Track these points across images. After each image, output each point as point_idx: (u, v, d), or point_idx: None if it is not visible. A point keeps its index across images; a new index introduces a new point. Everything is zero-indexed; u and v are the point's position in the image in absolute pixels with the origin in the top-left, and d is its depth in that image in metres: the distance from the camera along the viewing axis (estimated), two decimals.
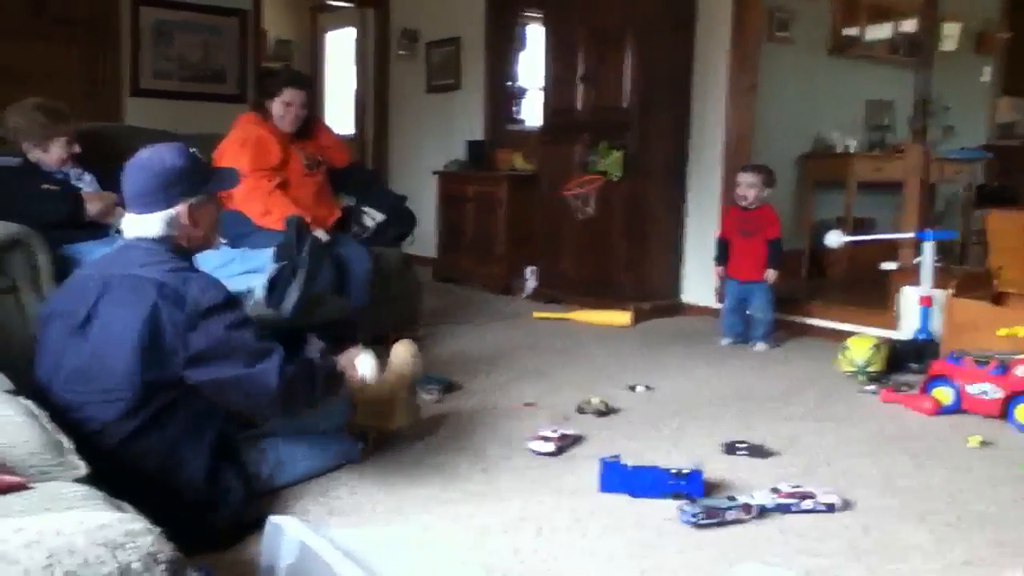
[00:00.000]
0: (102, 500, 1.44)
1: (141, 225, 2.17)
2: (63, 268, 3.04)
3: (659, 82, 5.04)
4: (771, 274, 4.33)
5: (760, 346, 4.30)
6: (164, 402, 2.07)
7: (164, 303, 2.01)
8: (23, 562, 0.97)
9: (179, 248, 2.20)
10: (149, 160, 2.17)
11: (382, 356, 2.90)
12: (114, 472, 1.93)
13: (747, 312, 4.41)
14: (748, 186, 4.36)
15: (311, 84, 4.30)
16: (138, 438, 2.03)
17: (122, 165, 2.23)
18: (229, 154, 3.72)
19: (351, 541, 1.70)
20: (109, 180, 3.51)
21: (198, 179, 2.23)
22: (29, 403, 1.82)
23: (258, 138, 3.73)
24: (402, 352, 2.83)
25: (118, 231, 3.31)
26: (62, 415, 2.00)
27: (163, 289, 2.02)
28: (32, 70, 6.20)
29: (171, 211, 2.16)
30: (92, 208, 3.29)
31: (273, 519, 1.73)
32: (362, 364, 2.41)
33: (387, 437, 2.75)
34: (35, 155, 3.33)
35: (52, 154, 3.32)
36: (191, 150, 2.25)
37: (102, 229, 3.33)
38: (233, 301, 2.15)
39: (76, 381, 2.05)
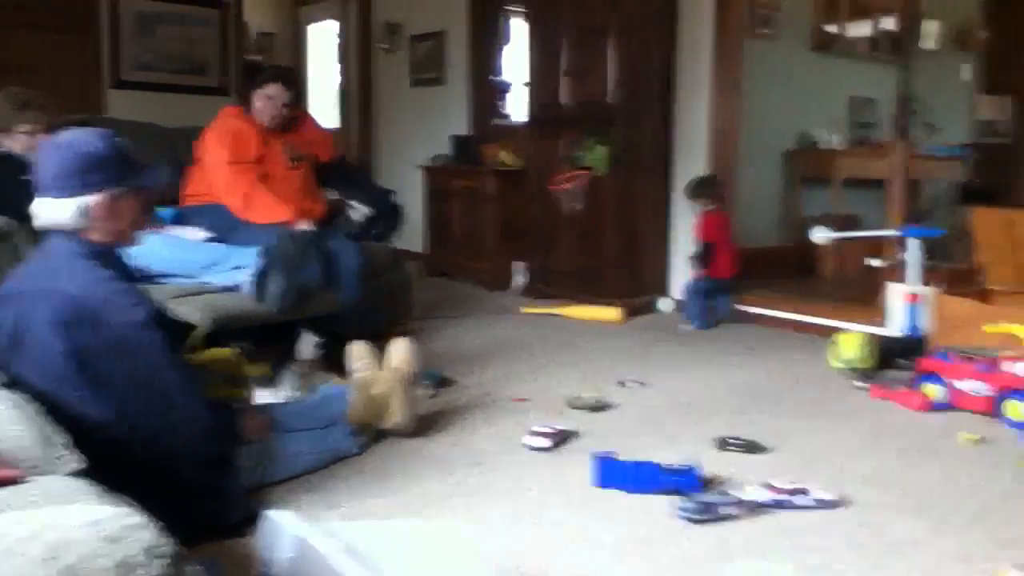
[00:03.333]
0: (100, 494, 1.42)
1: (53, 210, 2.04)
2: None
3: (643, 77, 5.03)
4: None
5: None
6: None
7: (81, 328, 1.91)
8: (25, 555, 0.95)
9: (95, 245, 2.06)
10: (71, 142, 2.05)
11: (380, 351, 2.89)
12: (106, 465, 1.91)
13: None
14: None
15: (297, 84, 4.24)
16: (126, 437, 1.97)
17: None
18: (209, 147, 3.69)
19: (348, 535, 1.68)
20: None
21: (121, 170, 2.08)
22: (19, 396, 1.79)
23: (235, 130, 3.68)
24: (399, 349, 2.81)
25: None
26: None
27: (80, 310, 1.92)
28: (17, 62, 6.13)
29: (87, 199, 2.02)
30: None
31: (270, 514, 1.71)
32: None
33: (384, 433, 2.74)
34: (6, 145, 3.27)
35: (17, 143, 3.25)
36: (119, 139, 2.14)
37: None
38: (156, 320, 2.00)
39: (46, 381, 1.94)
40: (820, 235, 4.45)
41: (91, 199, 2.02)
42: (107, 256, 2.10)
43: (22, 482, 1.38)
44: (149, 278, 3.05)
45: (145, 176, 2.16)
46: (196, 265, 3.01)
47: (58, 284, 1.95)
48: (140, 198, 2.15)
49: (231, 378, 2.46)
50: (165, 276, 3.04)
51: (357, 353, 2.84)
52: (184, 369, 2.04)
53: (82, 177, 2.01)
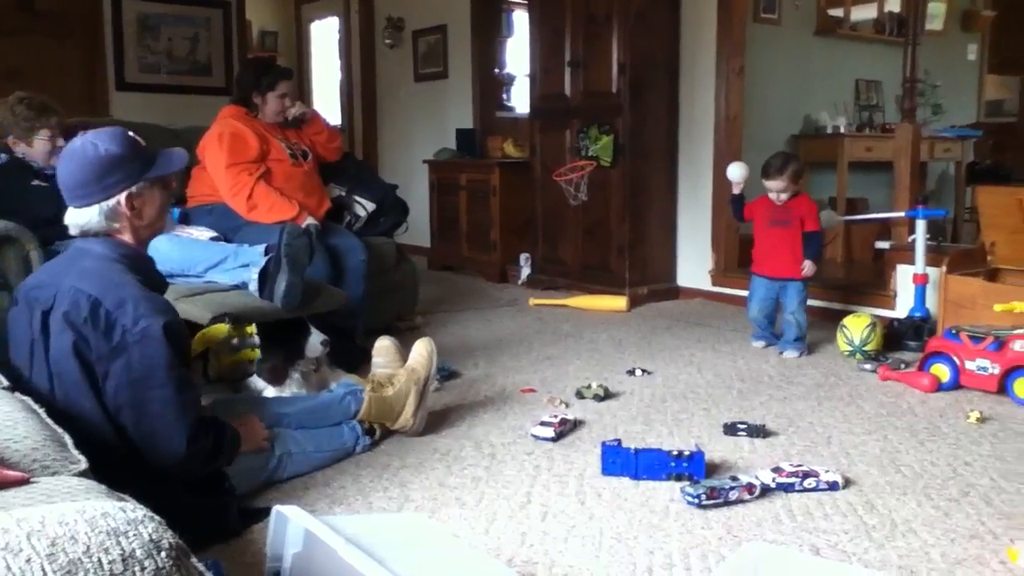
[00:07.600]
0: (103, 492, 1.43)
1: (80, 219, 2.07)
2: None
3: (647, 66, 5.03)
4: (808, 265, 3.78)
5: (789, 352, 3.79)
6: None
7: (93, 326, 1.92)
8: (26, 551, 0.95)
9: (125, 248, 2.10)
10: (82, 149, 2.05)
11: (406, 344, 2.88)
12: (98, 468, 1.91)
13: (775, 312, 4.00)
14: (779, 191, 3.79)
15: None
16: (116, 442, 1.97)
17: None
18: (209, 149, 3.69)
19: (356, 528, 1.69)
20: None
21: (136, 166, 2.09)
22: (27, 399, 1.80)
23: (234, 132, 3.68)
24: (418, 350, 2.80)
25: None
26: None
27: (94, 310, 1.92)
28: (24, 66, 6.18)
29: (109, 202, 2.06)
30: None
31: (278, 508, 1.72)
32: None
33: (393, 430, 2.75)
34: (20, 149, 3.31)
35: (36, 148, 3.30)
36: (129, 134, 2.14)
37: None
38: (172, 334, 1.96)
39: (53, 377, 1.98)
40: (827, 219, 4.43)
41: (113, 201, 2.06)
42: (136, 260, 2.12)
43: (28, 484, 1.39)
44: None
45: (160, 165, 2.15)
46: (202, 264, 3.02)
47: (81, 284, 1.96)
48: (161, 187, 2.17)
49: (233, 346, 2.47)
50: (172, 276, 3.05)
51: (382, 348, 2.84)
52: (180, 393, 1.96)
53: (101, 182, 2.04)
